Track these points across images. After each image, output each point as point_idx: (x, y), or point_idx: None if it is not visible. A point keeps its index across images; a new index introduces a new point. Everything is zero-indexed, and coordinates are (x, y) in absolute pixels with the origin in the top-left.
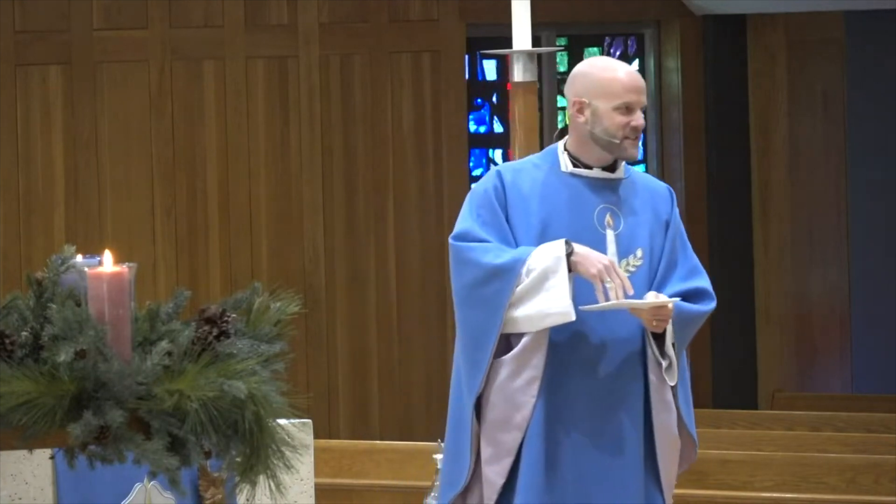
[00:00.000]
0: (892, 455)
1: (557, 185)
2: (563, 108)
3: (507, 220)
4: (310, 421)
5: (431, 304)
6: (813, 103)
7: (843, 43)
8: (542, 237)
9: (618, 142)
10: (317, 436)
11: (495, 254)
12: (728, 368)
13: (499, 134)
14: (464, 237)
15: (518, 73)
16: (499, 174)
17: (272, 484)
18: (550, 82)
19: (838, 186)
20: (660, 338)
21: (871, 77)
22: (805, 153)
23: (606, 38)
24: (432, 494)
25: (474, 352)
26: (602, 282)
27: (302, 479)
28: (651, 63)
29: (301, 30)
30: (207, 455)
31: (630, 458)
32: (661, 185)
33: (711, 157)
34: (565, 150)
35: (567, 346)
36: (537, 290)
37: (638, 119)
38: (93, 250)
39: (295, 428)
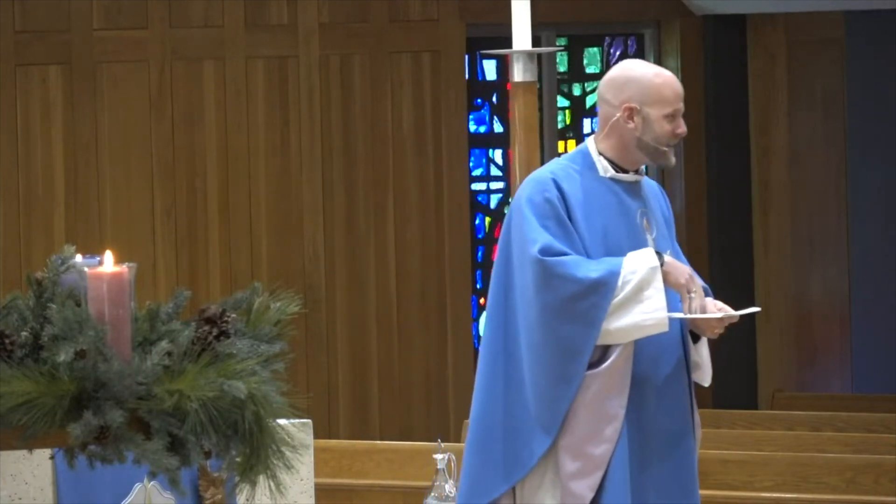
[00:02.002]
0: (892, 455)
1: (602, 191)
2: (564, 108)
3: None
4: (310, 421)
5: (431, 304)
6: (813, 103)
7: (843, 43)
8: (605, 246)
9: (665, 149)
10: (317, 436)
11: (587, 267)
12: (728, 368)
13: (499, 134)
14: (549, 251)
15: (518, 73)
16: (555, 182)
17: (272, 484)
18: (550, 82)
19: (838, 186)
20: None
21: (871, 77)
22: (805, 153)
23: (606, 38)
24: (432, 494)
25: (566, 365)
26: (689, 292)
27: (302, 479)
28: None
29: (301, 30)
30: (207, 455)
31: (693, 456)
32: (656, 184)
33: (711, 156)
34: (600, 153)
35: (639, 355)
36: (633, 301)
37: (683, 126)
38: (93, 250)
39: (295, 428)
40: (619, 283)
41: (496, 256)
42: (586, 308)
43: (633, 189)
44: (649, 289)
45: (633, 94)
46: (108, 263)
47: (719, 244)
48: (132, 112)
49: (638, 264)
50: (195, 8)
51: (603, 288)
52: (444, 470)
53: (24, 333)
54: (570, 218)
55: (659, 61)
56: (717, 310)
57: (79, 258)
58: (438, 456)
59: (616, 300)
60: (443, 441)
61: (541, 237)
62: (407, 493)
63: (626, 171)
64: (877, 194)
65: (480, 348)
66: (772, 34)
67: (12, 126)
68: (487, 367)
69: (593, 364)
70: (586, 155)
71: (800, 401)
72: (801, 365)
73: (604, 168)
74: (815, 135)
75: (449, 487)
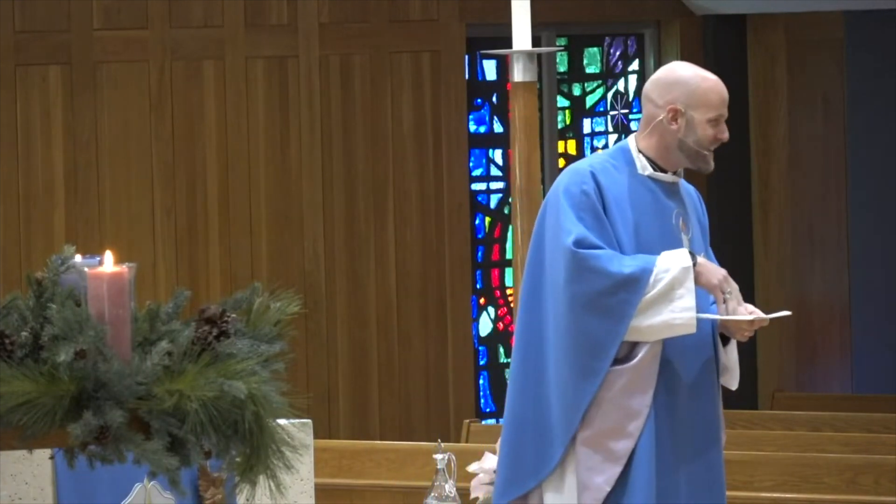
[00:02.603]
0: (892, 455)
1: (640, 188)
2: (564, 108)
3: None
4: (310, 421)
5: (431, 304)
6: (813, 103)
7: (843, 43)
8: (637, 242)
9: (705, 153)
10: (317, 436)
11: (619, 262)
12: None
13: (499, 134)
14: (583, 244)
15: (518, 73)
16: (593, 175)
17: (272, 484)
18: (550, 82)
19: (838, 186)
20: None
21: (871, 77)
22: (805, 153)
23: (606, 38)
24: (432, 494)
25: (591, 360)
26: (722, 292)
27: (302, 479)
28: (651, 63)
29: (301, 30)
30: (207, 455)
31: (721, 457)
32: (693, 189)
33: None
34: (639, 151)
35: (668, 353)
36: (664, 300)
37: (726, 132)
38: (93, 250)
39: (295, 428)
40: (651, 280)
41: (530, 246)
42: (615, 303)
43: (671, 190)
44: (680, 288)
45: (679, 95)
46: (108, 263)
47: (719, 244)
48: (132, 112)
49: (671, 263)
50: (195, 8)
51: (634, 284)
52: (444, 470)
53: (24, 333)
54: (605, 212)
55: (659, 61)
56: (748, 313)
57: (79, 258)
58: (438, 456)
59: (647, 298)
60: (443, 441)
61: (576, 229)
62: (407, 493)
63: (664, 171)
64: (877, 194)
65: (514, 339)
66: (772, 34)
67: (12, 126)
68: (519, 360)
69: (620, 360)
70: (626, 151)
71: (800, 401)
72: (801, 365)
73: (642, 166)
74: (815, 135)
75: (449, 487)
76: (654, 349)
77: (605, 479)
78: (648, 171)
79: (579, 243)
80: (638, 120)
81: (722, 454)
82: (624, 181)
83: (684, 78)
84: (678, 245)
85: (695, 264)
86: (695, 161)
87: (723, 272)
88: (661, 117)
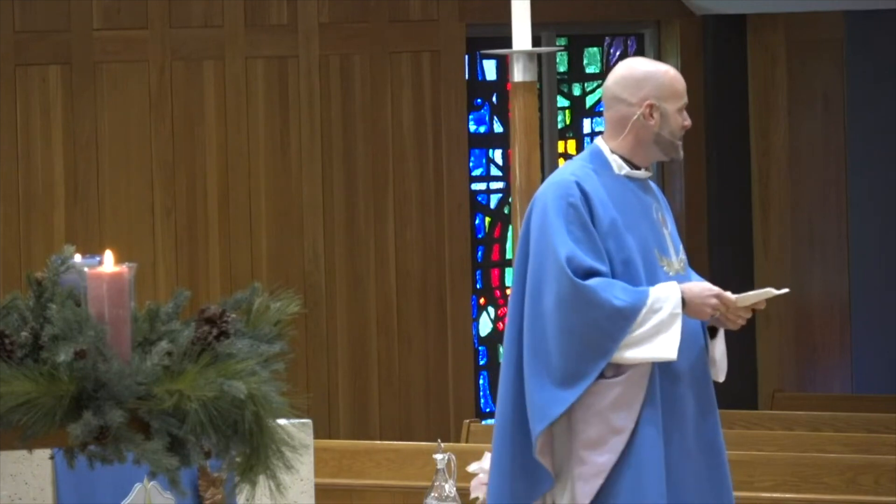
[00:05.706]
0: (892, 455)
1: (621, 188)
2: (564, 108)
3: (596, 231)
4: (310, 421)
5: (431, 304)
6: (813, 103)
7: (843, 43)
8: (633, 242)
9: (678, 143)
10: (317, 436)
11: (612, 292)
12: (728, 368)
13: (499, 134)
14: (573, 261)
15: (518, 73)
16: (578, 185)
17: (272, 484)
18: (550, 82)
19: (838, 186)
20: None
21: (871, 77)
22: (805, 153)
23: (606, 38)
24: (432, 494)
25: (581, 364)
26: (715, 310)
27: (302, 479)
28: None
29: (301, 30)
30: (207, 455)
31: (723, 453)
32: (652, 182)
33: (711, 157)
34: (612, 152)
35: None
36: (650, 338)
37: (689, 118)
38: (93, 250)
39: (295, 428)
40: (641, 316)
41: (516, 254)
42: (601, 334)
43: (645, 186)
44: (667, 332)
45: (651, 90)
46: (108, 263)
47: (719, 244)
48: (132, 112)
49: (661, 300)
50: (195, 8)
51: (624, 321)
52: (444, 470)
53: (24, 333)
54: (594, 217)
55: (659, 61)
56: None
57: (79, 258)
58: (438, 456)
59: (635, 334)
60: (443, 441)
61: (566, 247)
62: (407, 493)
63: (638, 168)
64: (877, 194)
65: (504, 350)
66: (772, 34)
67: (12, 126)
68: (504, 371)
69: (612, 374)
70: (599, 154)
71: (800, 401)
72: (801, 365)
73: (619, 166)
74: (815, 135)
75: (449, 487)
76: (643, 368)
77: (585, 492)
78: (625, 170)
79: (570, 261)
80: None
81: (722, 441)
82: (606, 184)
83: (650, 73)
84: (663, 241)
85: (684, 304)
86: (669, 152)
87: (712, 297)
88: (637, 114)
